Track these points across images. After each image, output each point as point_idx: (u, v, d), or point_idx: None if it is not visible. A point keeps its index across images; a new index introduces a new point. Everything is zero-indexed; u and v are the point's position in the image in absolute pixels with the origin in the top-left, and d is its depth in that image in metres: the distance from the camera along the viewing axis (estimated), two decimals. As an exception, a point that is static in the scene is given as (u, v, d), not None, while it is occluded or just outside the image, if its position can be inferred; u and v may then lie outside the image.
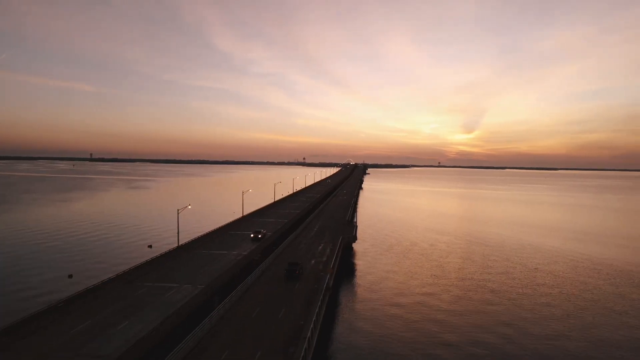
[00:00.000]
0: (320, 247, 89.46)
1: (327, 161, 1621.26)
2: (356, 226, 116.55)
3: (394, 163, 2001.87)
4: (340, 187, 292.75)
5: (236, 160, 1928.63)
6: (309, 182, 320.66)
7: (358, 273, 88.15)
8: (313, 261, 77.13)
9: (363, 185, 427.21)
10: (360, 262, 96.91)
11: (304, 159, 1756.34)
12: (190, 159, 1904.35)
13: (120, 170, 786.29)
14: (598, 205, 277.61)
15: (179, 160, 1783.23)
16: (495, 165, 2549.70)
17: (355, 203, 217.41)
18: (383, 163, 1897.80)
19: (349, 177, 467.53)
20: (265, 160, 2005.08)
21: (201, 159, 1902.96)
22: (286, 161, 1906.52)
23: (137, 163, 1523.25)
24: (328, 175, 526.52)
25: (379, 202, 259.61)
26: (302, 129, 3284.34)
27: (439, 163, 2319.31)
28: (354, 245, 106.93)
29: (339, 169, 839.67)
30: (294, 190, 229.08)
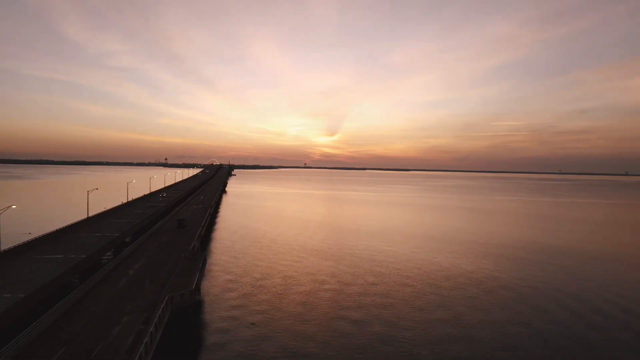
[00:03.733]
0: (117, 328, 43.96)
1: (192, 162, 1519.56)
2: (205, 261, 72.69)
3: (261, 164, 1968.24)
4: (196, 192, 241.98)
5: (88, 160, 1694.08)
6: (160, 186, 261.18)
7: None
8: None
9: (227, 189, 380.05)
10: None
11: (165, 159, 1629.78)
12: (29, 158, 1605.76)
13: None
14: (464, 206, 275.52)
15: (11, 160, 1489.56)
16: (356, 167, 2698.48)
17: (213, 215, 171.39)
18: (250, 164, 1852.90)
19: (209, 179, 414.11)
20: (123, 161, 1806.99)
21: (44, 158, 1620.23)
22: (146, 162, 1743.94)
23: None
24: (199, 173, 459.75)
25: (244, 209, 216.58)
26: (165, 129, 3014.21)
27: (305, 164, 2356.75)
28: (195, 305, 62.37)
29: (201, 170, 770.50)
30: (128, 199, 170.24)
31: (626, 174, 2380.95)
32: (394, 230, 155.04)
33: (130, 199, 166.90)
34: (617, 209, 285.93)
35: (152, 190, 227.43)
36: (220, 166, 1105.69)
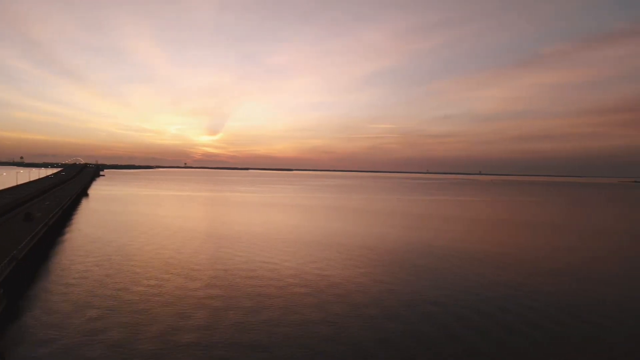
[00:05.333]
0: None
1: (55, 161, 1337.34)
2: (7, 305, 48.83)
3: (137, 164, 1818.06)
4: (39, 198, 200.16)
5: None
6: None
7: None
8: None
9: (90, 191, 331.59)
10: None
11: (21, 157, 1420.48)
12: None
13: None
14: (347, 205, 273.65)
15: None
16: (239, 167, 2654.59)
17: (62, 225, 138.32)
18: (125, 164, 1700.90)
19: (69, 180, 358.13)
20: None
21: None
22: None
23: None
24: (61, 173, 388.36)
25: (106, 217, 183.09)
26: (22, 123, 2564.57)
27: (185, 164, 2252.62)
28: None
29: (58, 170, 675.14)
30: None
31: (480, 174, 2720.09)
32: (276, 236, 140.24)
33: None
34: (485, 205, 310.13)
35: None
36: (85, 165, 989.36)
